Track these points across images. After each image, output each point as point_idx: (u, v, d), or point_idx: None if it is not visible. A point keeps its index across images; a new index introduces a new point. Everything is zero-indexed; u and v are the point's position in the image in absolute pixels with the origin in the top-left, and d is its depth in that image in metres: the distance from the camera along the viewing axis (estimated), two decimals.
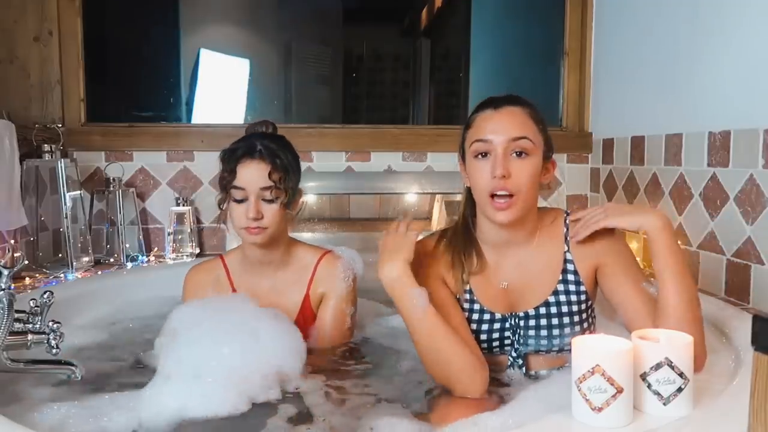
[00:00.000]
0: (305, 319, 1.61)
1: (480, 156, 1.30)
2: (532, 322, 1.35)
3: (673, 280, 1.21)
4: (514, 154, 1.28)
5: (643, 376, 1.00)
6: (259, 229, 1.51)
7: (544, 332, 1.34)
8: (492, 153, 1.28)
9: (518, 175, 1.27)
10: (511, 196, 1.27)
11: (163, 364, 1.31)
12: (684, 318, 1.18)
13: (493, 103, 1.32)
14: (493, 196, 1.27)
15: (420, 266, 1.37)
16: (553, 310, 1.35)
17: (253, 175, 1.50)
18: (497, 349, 1.37)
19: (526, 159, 1.28)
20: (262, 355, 1.33)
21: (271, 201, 1.51)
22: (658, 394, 1.00)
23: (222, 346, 1.31)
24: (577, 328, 1.35)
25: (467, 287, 1.37)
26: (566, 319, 1.35)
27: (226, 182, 1.52)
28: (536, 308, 1.35)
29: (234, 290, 1.63)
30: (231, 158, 1.52)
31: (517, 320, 1.36)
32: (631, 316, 1.29)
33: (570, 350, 1.22)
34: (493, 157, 1.28)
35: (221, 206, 1.58)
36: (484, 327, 1.36)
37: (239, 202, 1.51)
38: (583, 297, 1.36)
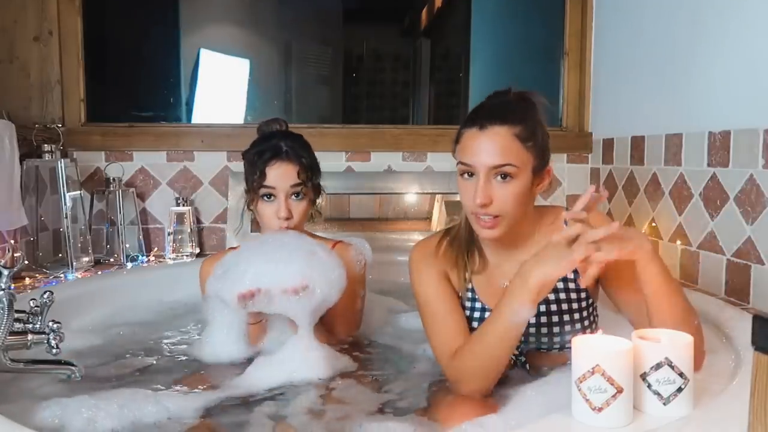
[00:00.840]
0: None
1: (466, 175, 1.29)
2: (533, 320, 1.35)
3: (669, 301, 1.17)
4: (499, 177, 1.25)
5: (643, 376, 1.00)
6: (289, 226, 1.59)
7: (544, 330, 1.35)
8: (475, 175, 1.26)
9: (502, 199, 1.25)
10: (496, 216, 1.26)
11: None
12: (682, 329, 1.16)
13: (478, 121, 1.27)
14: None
15: (424, 264, 1.38)
16: (554, 308, 1.35)
17: (282, 175, 1.57)
18: None
19: (510, 182, 1.25)
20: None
21: (299, 198, 1.60)
22: (658, 394, 0.99)
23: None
24: (578, 326, 1.35)
25: (469, 285, 1.38)
26: (567, 317, 1.35)
27: (256, 184, 1.57)
28: (537, 306, 1.35)
29: None
30: (259, 161, 1.57)
31: None
32: (636, 318, 1.29)
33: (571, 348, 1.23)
34: (476, 181, 1.26)
35: (250, 207, 1.64)
36: None
37: (269, 201, 1.58)
38: (583, 295, 1.36)
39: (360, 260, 1.69)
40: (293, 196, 1.59)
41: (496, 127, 1.26)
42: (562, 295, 1.35)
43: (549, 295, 1.35)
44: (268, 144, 1.61)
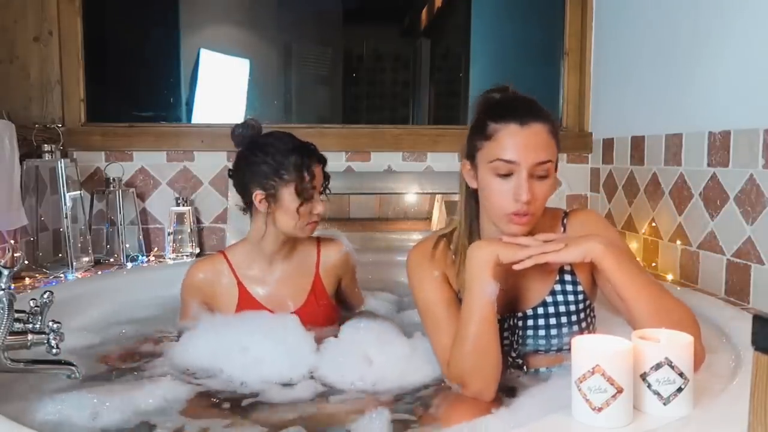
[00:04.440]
0: (317, 297, 1.76)
1: (500, 176, 1.25)
2: (530, 323, 1.35)
3: (638, 294, 1.18)
4: (537, 176, 1.24)
5: (643, 376, 1.00)
6: (317, 223, 1.71)
7: (542, 332, 1.34)
8: (515, 174, 1.23)
9: (538, 197, 1.25)
10: (526, 214, 1.26)
11: None
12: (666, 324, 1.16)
13: (518, 116, 1.25)
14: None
15: (422, 268, 1.37)
16: (551, 310, 1.35)
17: (319, 175, 1.67)
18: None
19: (546, 180, 1.26)
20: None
21: (324, 198, 1.71)
22: (658, 394, 0.99)
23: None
24: (576, 327, 1.35)
25: None
26: (564, 319, 1.35)
27: (306, 186, 1.63)
28: (534, 308, 1.35)
29: (239, 282, 1.72)
30: (305, 162, 1.63)
31: (515, 321, 1.36)
32: (628, 318, 1.29)
33: (569, 349, 1.23)
34: (517, 180, 1.23)
35: (294, 206, 1.65)
36: None
37: (307, 201, 1.64)
38: (580, 297, 1.36)
39: (348, 247, 1.84)
40: (322, 197, 1.70)
41: (536, 124, 1.24)
42: (560, 297, 1.35)
43: (546, 298, 1.35)
44: (295, 143, 1.66)
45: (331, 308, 1.79)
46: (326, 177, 1.71)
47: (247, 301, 1.71)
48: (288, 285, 1.75)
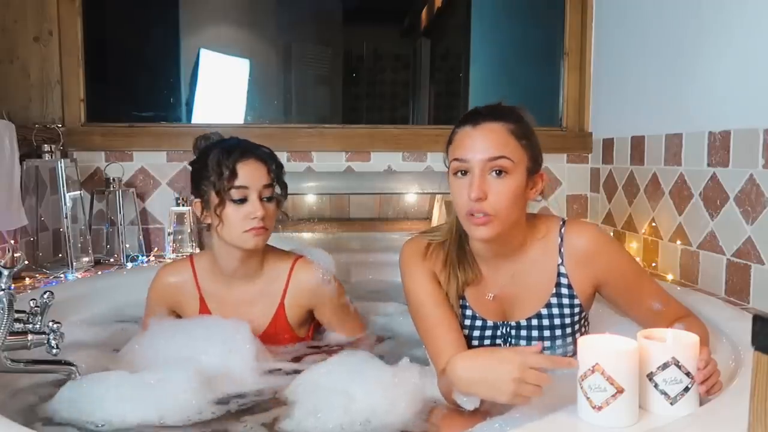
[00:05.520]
0: (277, 329, 1.60)
1: (459, 174, 1.26)
2: (523, 333, 1.35)
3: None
4: (493, 173, 1.23)
5: (650, 376, 1.00)
6: (263, 229, 1.48)
7: (535, 343, 1.33)
8: (470, 172, 1.24)
9: (496, 196, 1.22)
10: (488, 215, 1.23)
11: None
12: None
13: (472, 118, 1.27)
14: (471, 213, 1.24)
15: (415, 263, 1.36)
16: (545, 322, 1.34)
17: (254, 173, 1.47)
18: None
19: (506, 178, 1.23)
20: None
21: (270, 201, 1.50)
22: (665, 393, 0.99)
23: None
24: (569, 339, 1.35)
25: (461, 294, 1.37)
26: (558, 332, 1.35)
27: (225, 185, 1.45)
28: (528, 320, 1.35)
29: (201, 297, 1.61)
30: (228, 159, 1.46)
31: (508, 329, 1.36)
32: (644, 325, 1.30)
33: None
34: (470, 176, 1.24)
35: (216, 210, 1.48)
36: (476, 333, 1.37)
37: (239, 203, 1.47)
38: (576, 309, 1.35)
39: (327, 278, 1.61)
40: (265, 199, 1.49)
41: (490, 123, 1.25)
42: (555, 310, 1.34)
43: (542, 310, 1.34)
44: (228, 143, 1.51)
45: (295, 341, 1.62)
46: (278, 180, 1.52)
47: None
48: (252, 309, 1.58)
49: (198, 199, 1.52)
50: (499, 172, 1.23)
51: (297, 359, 1.55)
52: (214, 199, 1.47)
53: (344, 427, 1.17)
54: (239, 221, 1.47)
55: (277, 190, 1.54)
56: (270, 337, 1.58)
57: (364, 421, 1.18)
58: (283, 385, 1.35)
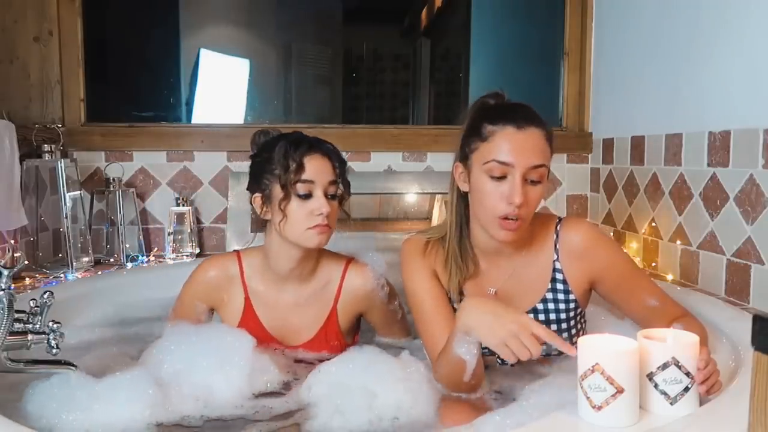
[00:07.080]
0: (327, 335, 1.53)
1: (494, 178, 1.24)
2: None
3: None
4: (530, 181, 1.24)
5: (650, 376, 1.00)
6: (327, 227, 1.42)
7: None
8: (509, 177, 1.23)
9: (530, 202, 1.25)
10: (517, 219, 1.25)
11: None
12: None
13: (514, 119, 1.24)
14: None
15: (415, 259, 1.38)
16: (541, 317, 1.35)
17: (321, 168, 1.41)
18: (485, 349, 1.37)
19: (539, 185, 1.26)
20: None
21: (334, 197, 1.44)
22: (665, 393, 0.99)
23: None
24: (566, 335, 1.36)
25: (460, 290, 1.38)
26: (554, 327, 1.35)
27: (291, 178, 1.39)
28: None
29: (247, 297, 1.53)
30: (295, 152, 1.40)
31: None
32: (640, 323, 1.30)
33: (557, 354, 1.24)
34: (511, 182, 1.23)
35: (280, 205, 1.40)
36: None
37: (304, 198, 1.40)
38: (572, 305, 1.36)
39: (380, 282, 1.54)
40: (330, 196, 1.43)
41: (533, 128, 1.25)
42: (551, 306, 1.35)
43: (537, 305, 1.35)
44: (294, 137, 1.45)
45: (343, 347, 1.53)
46: (342, 178, 1.46)
47: (250, 321, 1.51)
48: (299, 314, 1.52)
49: (258, 194, 1.45)
50: (535, 179, 1.25)
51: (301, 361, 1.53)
52: (278, 193, 1.41)
53: (372, 422, 1.17)
54: (303, 217, 1.40)
55: (341, 188, 1.48)
56: (318, 343, 1.52)
57: (392, 418, 1.19)
58: (294, 387, 1.34)
